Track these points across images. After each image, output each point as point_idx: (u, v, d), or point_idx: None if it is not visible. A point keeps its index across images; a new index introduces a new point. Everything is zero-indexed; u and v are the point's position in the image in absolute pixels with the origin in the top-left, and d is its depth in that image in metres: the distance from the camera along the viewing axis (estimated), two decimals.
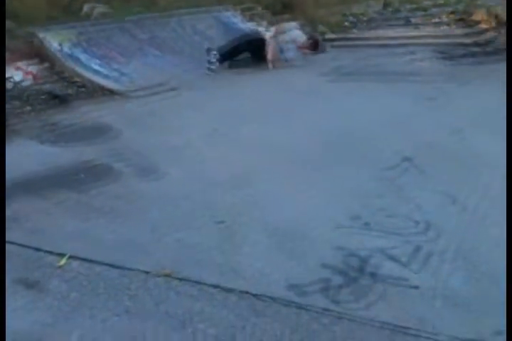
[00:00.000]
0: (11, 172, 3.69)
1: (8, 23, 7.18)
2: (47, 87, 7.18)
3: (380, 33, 12.30)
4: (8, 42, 6.65)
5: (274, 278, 2.50)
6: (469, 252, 2.65)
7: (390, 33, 12.11)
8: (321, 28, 12.77)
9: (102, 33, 8.49)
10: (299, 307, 2.27)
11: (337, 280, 2.47)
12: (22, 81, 7.08)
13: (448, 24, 13.18)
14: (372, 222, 3.03)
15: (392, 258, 2.63)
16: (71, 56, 7.75)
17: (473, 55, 9.17)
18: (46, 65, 7.51)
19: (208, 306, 2.32)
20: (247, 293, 2.39)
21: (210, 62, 8.80)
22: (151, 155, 4.49)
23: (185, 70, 8.39)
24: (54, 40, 7.72)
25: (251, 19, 11.72)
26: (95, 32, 8.43)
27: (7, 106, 5.69)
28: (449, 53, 8.99)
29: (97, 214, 3.36)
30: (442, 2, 17.51)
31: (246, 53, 9.28)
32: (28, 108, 6.49)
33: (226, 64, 8.95)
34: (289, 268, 2.58)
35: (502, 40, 10.49)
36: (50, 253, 2.86)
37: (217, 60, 8.82)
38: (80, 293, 2.48)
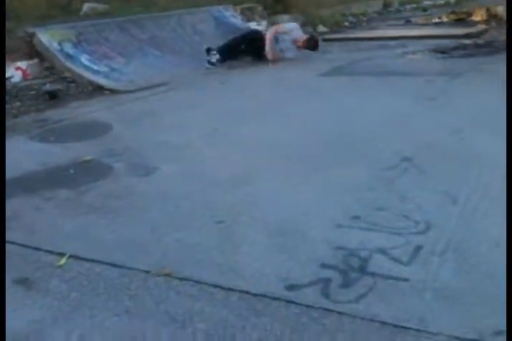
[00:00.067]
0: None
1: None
2: (37, 82, 7.18)
3: (380, 32, 12.37)
4: None
5: (274, 278, 2.49)
6: (467, 251, 2.64)
7: (390, 32, 12.18)
8: (320, 28, 12.81)
9: (101, 32, 8.49)
10: (299, 306, 2.27)
11: (336, 279, 2.47)
12: (11, 77, 7.09)
13: (448, 24, 13.21)
14: (372, 221, 3.03)
15: (393, 258, 2.62)
16: (69, 55, 7.75)
17: (464, 47, 9.27)
18: (36, 60, 7.51)
19: (208, 306, 2.32)
20: (247, 292, 2.39)
21: (210, 62, 8.82)
22: (149, 154, 4.50)
23: (185, 70, 8.41)
24: (51, 39, 7.71)
25: (251, 19, 11.75)
26: (95, 31, 8.44)
27: None
28: (449, 53, 9.03)
29: (97, 214, 3.36)
30: (442, 2, 17.55)
31: (246, 52, 9.30)
32: (18, 104, 6.51)
33: (226, 63, 8.97)
34: (289, 268, 2.57)
35: (492, 32, 10.63)
36: (50, 252, 2.86)
37: (217, 60, 8.84)
38: (80, 293, 2.48)
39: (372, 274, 2.49)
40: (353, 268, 2.56)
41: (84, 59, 7.81)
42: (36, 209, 3.49)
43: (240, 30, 10.39)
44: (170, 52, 9.03)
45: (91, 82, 7.44)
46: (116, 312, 2.32)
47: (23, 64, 7.36)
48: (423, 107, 5.56)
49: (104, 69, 7.87)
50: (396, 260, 2.60)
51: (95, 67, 7.78)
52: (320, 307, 2.26)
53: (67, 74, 7.53)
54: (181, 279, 2.53)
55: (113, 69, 7.95)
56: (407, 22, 14.66)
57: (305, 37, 9.54)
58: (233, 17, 11.15)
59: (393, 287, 2.39)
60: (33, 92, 6.91)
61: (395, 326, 2.11)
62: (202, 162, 4.26)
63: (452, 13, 14.39)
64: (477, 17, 13.24)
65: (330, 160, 4.12)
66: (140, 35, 8.99)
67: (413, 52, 9.30)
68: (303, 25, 11.06)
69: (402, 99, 6.02)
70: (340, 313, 2.21)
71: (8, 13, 7.15)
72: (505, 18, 11.94)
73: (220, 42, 9.24)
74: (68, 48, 7.84)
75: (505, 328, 2.00)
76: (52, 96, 6.90)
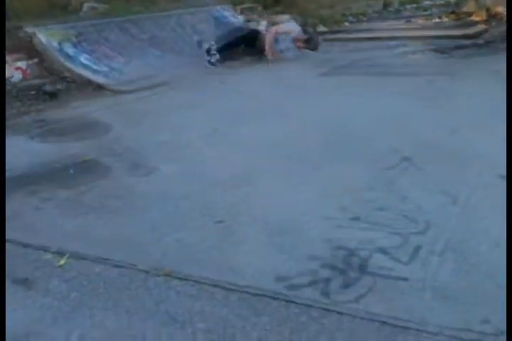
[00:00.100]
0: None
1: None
2: (37, 82, 7.19)
3: (380, 32, 12.37)
4: None
5: (274, 278, 2.49)
6: (467, 250, 2.64)
7: (390, 32, 12.18)
8: (320, 27, 12.81)
9: (101, 32, 8.50)
10: (298, 306, 2.27)
11: (336, 279, 2.47)
12: (11, 76, 7.09)
13: (448, 24, 13.21)
14: (372, 221, 3.03)
15: (392, 258, 2.62)
16: (69, 55, 7.76)
17: (464, 47, 9.30)
18: (36, 60, 7.51)
19: (208, 305, 2.32)
20: (247, 292, 2.39)
21: (210, 62, 8.83)
22: (149, 154, 4.50)
23: (185, 70, 8.41)
24: (51, 39, 7.72)
25: (251, 19, 11.75)
26: (95, 31, 8.44)
27: None
28: (449, 53, 9.04)
29: (97, 214, 3.36)
30: (442, 2, 17.52)
31: (245, 52, 9.31)
32: (18, 104, 6.52)
33: (225, 62, 8.98)
34: (289, 268, 2.57)
35: (492, 32, 10.66)
36: (50, 252, 2.87)
37: (217, 59, 8.85)
38: (80, 293, 2.48)
39: (372, 274, 2.49)
40: (353, 267, 2.56)
41: (83, 59, 7.82)
42: (36, 209, 3.49)
43: (240, 30, 10.40)
44: (170, 52, 9.04)
45: (91, 82, 7.45)
46: (116, 312, 2.32)
47: (22, 64, 7.37)
48: (423, 107, 5.56)
49: (104, 68, 7.88)
50: (396, 260, 2.60)
51: (95, 67, 7.79)
52: (320, 307, 2.26)
53: (67, 74, 7.54)
54: (181, 279, 2.54)
55: (113, 69, 7.96)
56: (407, 22, 14.66)
57: (305, 37, 9.54)
58: (233, 17, 11.15)
59: (393, 287, 2.39)
60: (32, 92, 6.93)
61: (395, 326, 2.11)
62: (201, 162, 4.26)
63: (452, 13, 14.39)
64: (477, 17, 13.23)
65: (329, 159, 4.12)
66: (140, 35, 9.00)
67: (413, 52, 9.31)
68: (303, 25, 11.06)
69: (402, 98, 6.01)
70: (339, 313, 2.22)
71: (8, 13, 7.16)
72: (505, 18, 11.95)
73: (220, 42, 9.25)
74: (68, 48, 7.85)
75: (505, 329, 2.00)
76: (52, 96, 6.92)
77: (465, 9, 14.40)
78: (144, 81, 7.63)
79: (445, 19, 14.06)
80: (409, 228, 2.92)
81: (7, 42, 6.88)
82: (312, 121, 5.27)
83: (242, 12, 11.75)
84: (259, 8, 12.71)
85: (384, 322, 2.13)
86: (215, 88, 7.38)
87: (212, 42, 8.87)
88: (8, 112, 6.07)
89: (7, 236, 2.87)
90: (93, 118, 5.93)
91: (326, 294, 2.36)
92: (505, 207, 2.80)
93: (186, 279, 2.53)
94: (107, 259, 2.75)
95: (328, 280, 2.45)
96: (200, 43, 8.85)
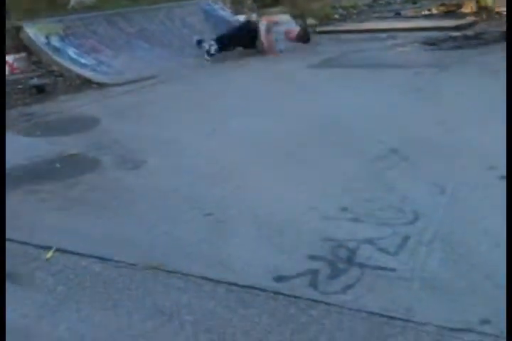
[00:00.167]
0: None
1: None
2: (24, 76, 7.13)
3: (370, 25, 12.38)
4: None
5: (262, 270, 2.48)
6: (455, 240, 2.65)
7: (380, 25, 12.19)
8: (310, 20, 12.76)
9: (89, 26, 8.42)
10: (287, 298, 2.26)
11: (324, 270, 2.46)
12: None
13: (438, 16, 13.23)
14: (360, 212, 3.02)
15: (380, 249, 2.62)
16: (57, 49, 7.68)
17: (454, 39, 9.31)
18: (23, 54, 7.44)
19: (196, 298, 2.30)
20: (235, 284, 2.38)
21: (209, 54, 8.78)
22: (137, 147, 4.47)
23: (174, 63, 8.36)
24: (38, 33, 7.64)
25: (241, 12, 11.71)
26: (82, 25, 8.36)
27: None
28: (438, 45, 9.04)
29: (84, 207, 3.34)
30: None
31: (239, 45, 9.29)
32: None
33: (219, 55, 8.93)
34: (277, 260, 2.57)
35: (482, 24, 10.69)
36: (36, 246, 2.84)
37: (215, 50, 8.81)
38: (66, 287, 2.46)
39: (360, 265, 2.49)
40: (341, 259, 2.55)
41: (71, 52, 7.75)
42: (21, 203, 3.46)
43: (229, 22, 10.35)
44: (159, 45, 8.97)
45: (79, 76, 7.38)
46: (103, 306, 2.30)
47: (9, 58, 7.29)
48: (411, 99, 5.56)
49: (92, 62, 7.81)
50: (383, 250, 2.60)
51: (83, 61, 7.72)
52: (308, 299, 2.25)
53: (54, 68, 7.47)
54: (169, 272, 2.52)
55: (101, 62, 7.89)
56: (397, 14, 14.65)
57: (296, 29, 9.52)
58: (222, 10, 11.09)
59: (381, 277, 2.38)
60: (20, 86, 6.86)
61: (382, 316, 2.10)
62: (190, 155, 4.23)
63: (442, 5, 14.39)
64: (467, 9, 13.25)
65: (317, 152, 4.11)
66: (128, 28, 8.92)
67: (403, 45, 9.30)
68: (293, 18, 11.01)
69: (391, 90, 6.01)
70: (327, 304, 2.21)
71: None
72: (494, 9, 11.98)
73: (213, 35, 9.22)
74: (55, 42, 7.76)
75: (492, 318, 2.01)
76: (40, 90, 6.85)
77: (454, 1, 14.41)
78: (133, 74, 7.58)
79: (435, 11, 14.07)
80: (398, 219, 2.92)
81: None
82: (301, 113, 5.25)
83: (231, 5, 11.70)
84: (249, 1, 12.64)
85: (371, 312, 2.12)
86: (204, 81, 7.34)
87: (212, 42, 8.84)
88: None
89: None
90: (81, 112, 5.89)
91: (314, 285, 2.35)
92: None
93: (174, 272, 2.51)
94: (94, 253, 2.72)
95: (316, 272, 2.45)
96: (199, 43, 8.80)
